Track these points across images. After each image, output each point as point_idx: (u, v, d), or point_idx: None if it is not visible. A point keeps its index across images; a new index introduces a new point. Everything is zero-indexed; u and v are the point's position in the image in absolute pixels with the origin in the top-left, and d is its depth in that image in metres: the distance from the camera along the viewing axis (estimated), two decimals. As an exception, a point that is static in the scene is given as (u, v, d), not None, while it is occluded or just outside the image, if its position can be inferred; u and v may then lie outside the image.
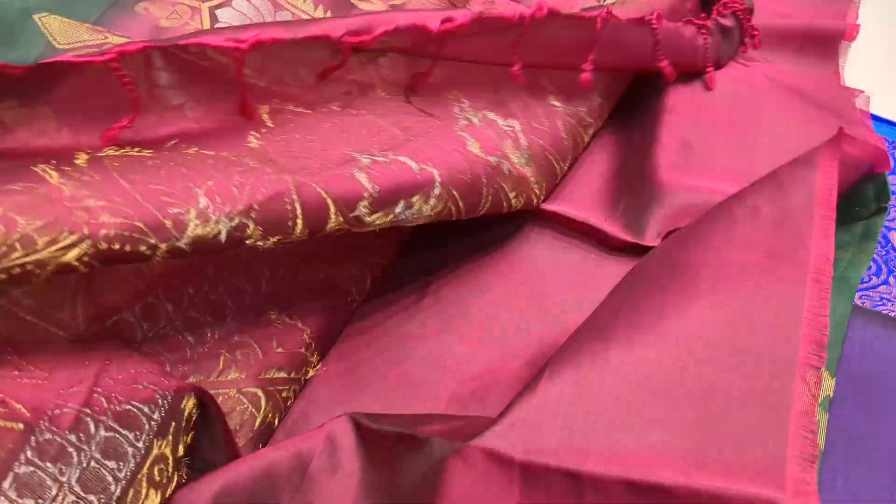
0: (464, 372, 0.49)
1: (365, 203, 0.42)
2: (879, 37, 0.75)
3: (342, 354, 0.50)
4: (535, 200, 0.55)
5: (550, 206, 0.57)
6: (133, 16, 0.61)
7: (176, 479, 0.40)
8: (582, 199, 0.58)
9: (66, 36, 0.57)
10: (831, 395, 0.38)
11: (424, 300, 0.53)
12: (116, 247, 0.35)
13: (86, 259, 0.34)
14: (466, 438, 0.39)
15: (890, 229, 0.58)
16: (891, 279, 0.55)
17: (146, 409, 0.38)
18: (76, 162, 0.37)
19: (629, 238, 0.55)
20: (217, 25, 0.62)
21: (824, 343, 0.39)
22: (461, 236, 0.56)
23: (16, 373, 0.36)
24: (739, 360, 0.39)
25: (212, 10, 0.63)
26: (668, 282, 0.44)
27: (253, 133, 0.44)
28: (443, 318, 0.52)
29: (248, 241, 0.39)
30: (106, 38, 0.58)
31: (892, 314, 0.53)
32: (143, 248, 0.35)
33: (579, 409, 0.39)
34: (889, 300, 0.54)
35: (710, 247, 0.45)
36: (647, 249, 0.53)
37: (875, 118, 0.66)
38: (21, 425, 0.34)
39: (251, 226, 0.39)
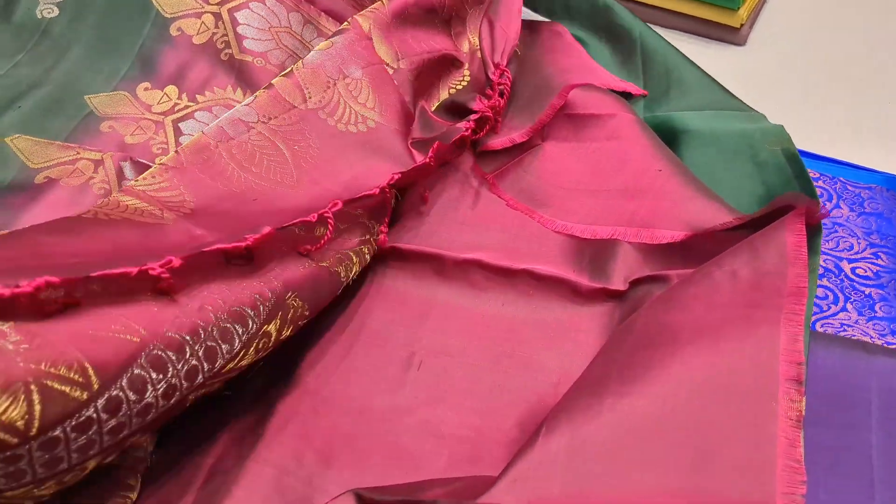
0: (456, 437, 0.50)
1: None
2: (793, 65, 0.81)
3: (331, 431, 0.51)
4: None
5: (518, 265, 0.59)
6: (99, 134, 0.64)
7: None
8: (548, 255, 0.60)
9: (39, 155, 0.60)
10: (803, 413, 0.40)
11: (409, 373, 0.54)
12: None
13: None
14: (472, 498, 0.40)
15: (840, 259, 0.61)
16: (848, 305, 0.58)
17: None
18: None
19: (598, 285, 0.57)
20: (181, 138, 0.65)
21: (801, 376, 0.41)
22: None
23: None
24: (724, 400, 0.41)
25: (175, 122, 0.66)
26: (654, 340, 0.46)
27: None
28: (430, 388, 0.53)
29: None
30: (78, 153, 0.60)
31: (855, 338, 0.55)
32: None
33: (577, 459, 0.41)
34: (850, 325, 0.56)
35: (692, 310, 0.47)
36: (617, 293, 0.56)
37: (813, 156, 0.71)
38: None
39: None
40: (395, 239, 0.61)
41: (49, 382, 0.34)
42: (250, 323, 0.44)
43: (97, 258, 0.40)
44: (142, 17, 0.70)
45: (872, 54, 0.86)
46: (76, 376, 0.35)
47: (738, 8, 0.85)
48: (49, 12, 0.71)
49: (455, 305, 0.58)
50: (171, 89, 0.67)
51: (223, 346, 0.42)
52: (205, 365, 0.41)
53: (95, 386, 0.35)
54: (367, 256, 0.57)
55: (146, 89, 0.67)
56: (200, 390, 0.43)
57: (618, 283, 0.57)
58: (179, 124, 0.66)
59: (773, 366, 0.41)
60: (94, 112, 0.66)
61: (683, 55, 0.76)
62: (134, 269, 0.38)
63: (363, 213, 0.57)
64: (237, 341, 0.43)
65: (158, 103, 0.67)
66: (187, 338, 0.40)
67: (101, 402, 0.36)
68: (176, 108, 0.67)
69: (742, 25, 0.86)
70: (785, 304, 0.44)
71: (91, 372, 0.35)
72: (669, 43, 0.77)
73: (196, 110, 0.67)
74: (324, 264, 0.52)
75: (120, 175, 0.59)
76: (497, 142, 0.67)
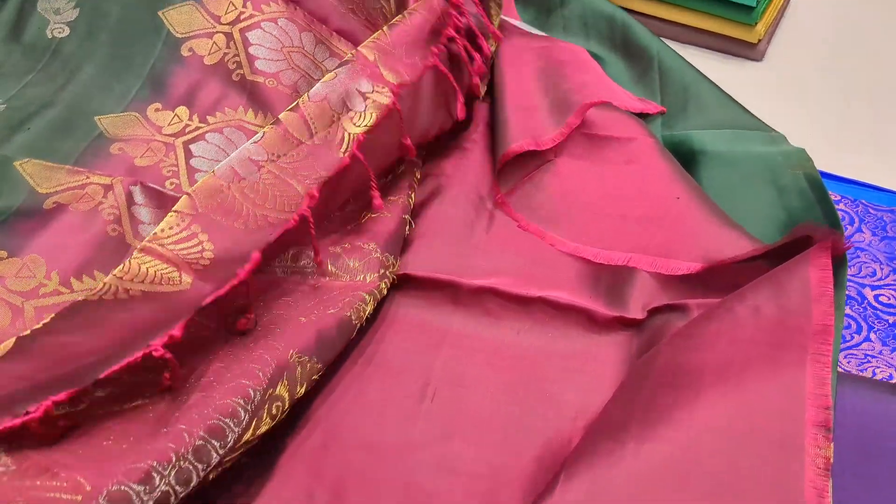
0: (472, 474, 0.49)
1: None
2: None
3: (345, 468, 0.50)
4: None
5: (534, 292, 0.58)
6: (109, 156, 0.63)
7: None
8: (564, 281, 0.59)
9: (48, 180, 0.59)
10: (831, 460, 0.38)
11: (423, 404, 0.52)
12: None
13: None
14: None
15: (863, 286, 0.60)
16: (872, 335, 0.56)
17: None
18: None
19: (615, 313, 0.56)
20: (192, 160, 0.64)
21: (829, 422, 0.40)
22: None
23: None
24: (750, 447, 0.40)
25: (186, 144, 0.65)
26: (676, 380, 0.45)
27: None
28: (444, 421, 0.52)
29: None
30: (88, 178, 0.59)
31: (879, 370, 0.54)
32: None
33: None
34: (873, 356, 0.55)
35: (715, 347, 0.46)
36: (634, 322, 0.55)
37: (834, 178, 0.69)
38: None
39: None
40: (408, 265, 0.60)
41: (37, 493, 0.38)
42: (253, 393, 0.45)
43: (114, 349, 0.43)
44: (153, 37, 0.69)
45: (895, 70, 0.84)
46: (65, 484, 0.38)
47: (756, 23, 0.83)
48: (60, 32, 0.70)
49: (470, 334, 0.56)
50: (182, 110, 0.67)
51: (230, 422, 0.44)
52: (215, 443, 0.43)
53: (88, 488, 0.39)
54: (385, 290, 0.56)
55: (157, 110, 0.67)
56: (219, 467, 0.44)
57: (635, 312, 0.55)
58: (190, 146, 0.66)
59: (800, 411, 0.40)
60: (104, 133, 0.65)
61: (700, 73, 0.75)
62: (137, 356, 0.43)
63: (376, 246, 0.56)
64: (244, 414, 0.44)
65: (169, 124, 0.66)
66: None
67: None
68: (186, 130, 0.66)
69: (759, 41, 0.85)
70: (810, 344, 0.43)
71: (81, 479, 0.39)
72: (686, 60, 0.76)
73: (207, 132, 0.66)
74: (331, 311, 0.51)
75: (130, 200, 0.58)
76: (516, 145, 0.66)
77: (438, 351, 0.55)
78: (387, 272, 0.57)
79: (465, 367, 0.55)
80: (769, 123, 0.69)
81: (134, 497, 0.38)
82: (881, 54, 0.86)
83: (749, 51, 0.85)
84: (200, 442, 0.42)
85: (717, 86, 0.74)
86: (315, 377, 0.50)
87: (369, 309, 0.54)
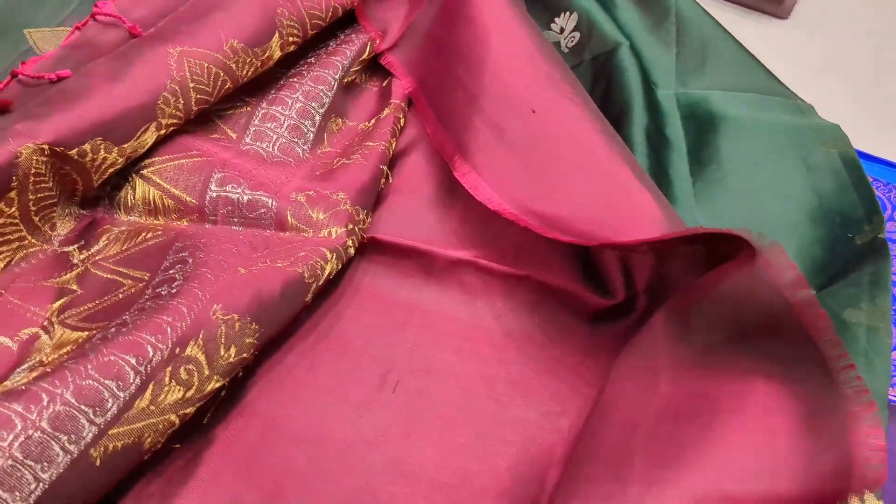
0: (435, 483, 0.42)
1: None
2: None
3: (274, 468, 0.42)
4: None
5: (520, 269, 0.50)
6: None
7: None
8: (556, 261, 0.51)
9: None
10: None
11: (382, 394, 0.45)
12: None
13: None
14: None
15: (896, 285, 0.53)
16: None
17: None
18: None
19: (609, 301, 0.48)
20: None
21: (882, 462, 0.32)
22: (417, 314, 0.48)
23: None
24: (782, 490, 0.32)
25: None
26: (686, 410, 0.37)
27: None
28: (406, 416, 0.44)
29: None
30: None
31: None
32: None
33: None
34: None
35: (732, 373, 0.37)
36: (630, 311, 0.48)
37: (866, 157, 0.61)
38: None
39: None
40: (377, 228, 0.51)
41: None
42: (151, 351, 0.37)
43: None
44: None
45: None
46: None
47: (786, -24, 0.75)
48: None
49: (443, 314, 0.48)
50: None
51: (112, 384, 0.35)
52: (87, 410, 0.34)
53: None
54: (352, 250, 0.48)
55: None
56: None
57: (630, 301, 0.48)
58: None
59: (843, 446, 0.32)
60: (32, 49, 0.56)
61: (722, 27, 0.67)
62: None
63: (346, 197, 0.48)
64: (133, 376, 0.36)
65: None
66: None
67: None
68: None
69: (788, -4, 0.76)
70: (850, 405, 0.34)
71: None
72: (707, 12, 0.67)
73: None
74: (280, 265, 0.43)
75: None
76: None
77: (404, 331, 0.48)
78: (356, 228, 0.48)
79: (435, 353, 0.47)
80: (793, 89, 0.61)
81: None
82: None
83: (775, 6, 0.76)
84: (63, 407, 0.33)
85: (739, 43, 0.65)
86: (251, 343, 0.41)
87: (330, 269, 0.46)
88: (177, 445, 0.41)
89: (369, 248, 0.51)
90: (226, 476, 0.40)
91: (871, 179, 0.59)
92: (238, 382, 0.44)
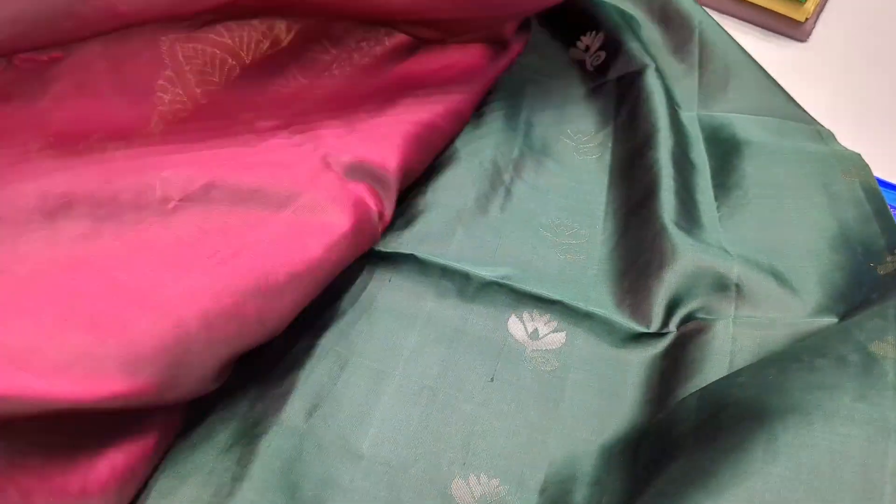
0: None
1: None
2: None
3: None
4: None
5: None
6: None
7: None
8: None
9: None
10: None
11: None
12: None
13: None
14: None
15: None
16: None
17: None
18: None
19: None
20: None
21: None
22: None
23: None
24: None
25: None
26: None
27: None
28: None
29: None
30: None
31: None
32: None
33: None
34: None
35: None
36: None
37: (886, 185, 0.63)
38: None
39: None
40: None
41: None
42: None
43: None
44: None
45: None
46: None
47: (806, 0, 0.76)
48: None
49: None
50: None
51: None
52: None
53: None
54: None
55: None
56: None
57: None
58: None
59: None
60: None
61: (744, 50, 0.68)
62: None
63: None
64: None
65: None
66: None
67: None
68: None
69: (807, 19, 0.77)
70: None
71: None
72: (730, 36, 0.69)
73: None
74: None
75: None
76: None
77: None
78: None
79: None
80: (811, 113, 0.62)
81: None
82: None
83: (794, 29, 0.78)
84: None
85: (760, 66, 0.67)
86: None
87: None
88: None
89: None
90: None
91: (890, 208, 0.61)
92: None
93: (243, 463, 0.42)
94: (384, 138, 0.52)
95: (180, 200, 0.44)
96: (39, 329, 0.34)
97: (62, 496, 0.35)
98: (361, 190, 0.50)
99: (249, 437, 0.44)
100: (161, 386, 0.37)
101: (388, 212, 0.52)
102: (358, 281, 0.51)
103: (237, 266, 0.41)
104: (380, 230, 0.51)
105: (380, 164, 0.51)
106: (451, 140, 0.59)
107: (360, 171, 0.50)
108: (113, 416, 0.37)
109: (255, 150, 0.48)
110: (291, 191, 0.46)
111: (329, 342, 0.48)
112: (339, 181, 0.49)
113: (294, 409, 0.45)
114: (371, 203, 0.50)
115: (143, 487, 0.41)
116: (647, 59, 0.65)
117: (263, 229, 0.44)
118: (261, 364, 0.47)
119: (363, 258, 0.52)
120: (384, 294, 0.51)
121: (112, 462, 0.38)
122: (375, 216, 0.50)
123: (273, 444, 0.43)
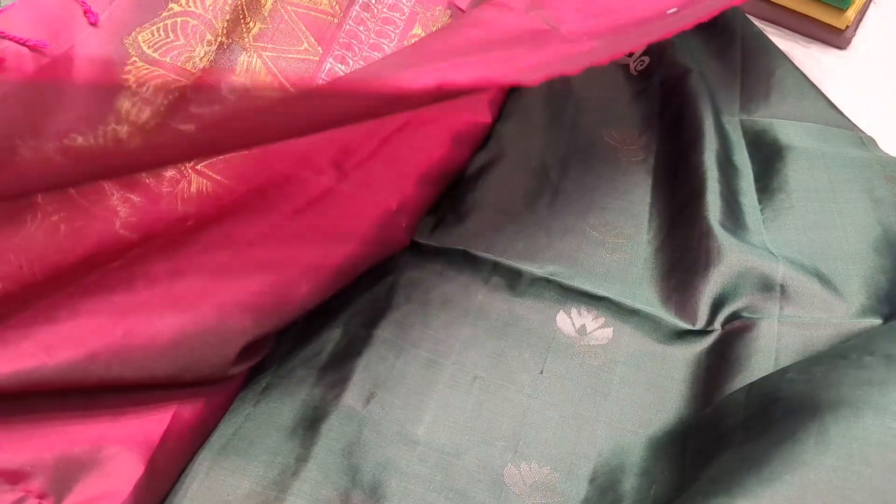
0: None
1: None
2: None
3: None
4: None
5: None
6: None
7: None
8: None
9: None
10: None
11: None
12: None
13: None
14: None
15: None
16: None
17: None
18: None
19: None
20: None
21: None
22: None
23: None
24: None
25: None
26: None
27: None
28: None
29: None
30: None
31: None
32: None
33: None
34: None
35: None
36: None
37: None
38: None
39: None
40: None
41: None
42: None
43: None
44: None
45: None
46: None
47: (847, 8, 0.77)
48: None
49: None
50: None
51: None
52: None
53: None
54: None
55: None
56: None
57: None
58: None
59: None
60: None
61: (786, 56, 0.69)
62: None
63: None
64: None
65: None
66: None
67: None
68: None
69: (847, 27, 0.78)
70: None
71: None
72: (773, 43, 0.70)
73: None
74: None
75: None
76: None
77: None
78: None
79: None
80: (851, 120, 0.64)
81: None
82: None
83: (835, 37, 0.79)
84: None
85: (803, 74, 0.68)
86: None
87: None
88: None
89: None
90: None
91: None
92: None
93: (306, 445, 0.44)
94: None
95: None
96: None
97: None
98: None
99: (311, 421, 0.46)
100: None
101: None
102: (411, 275, 0.53)
103: None
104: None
105: None
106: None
107: None
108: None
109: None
110: None
111: (384, 332, 0.50)
112: None
113: (353, 396, 0.47)
114: None
115: (211, 464, 0.43)
116: (691, 64, 0.66)
117: None
118: (318, 350, 0.49)
119: (416, 253, 0.53)
120: (437, 288, 0.53)
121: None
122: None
123: (334, 428, 0.45)
